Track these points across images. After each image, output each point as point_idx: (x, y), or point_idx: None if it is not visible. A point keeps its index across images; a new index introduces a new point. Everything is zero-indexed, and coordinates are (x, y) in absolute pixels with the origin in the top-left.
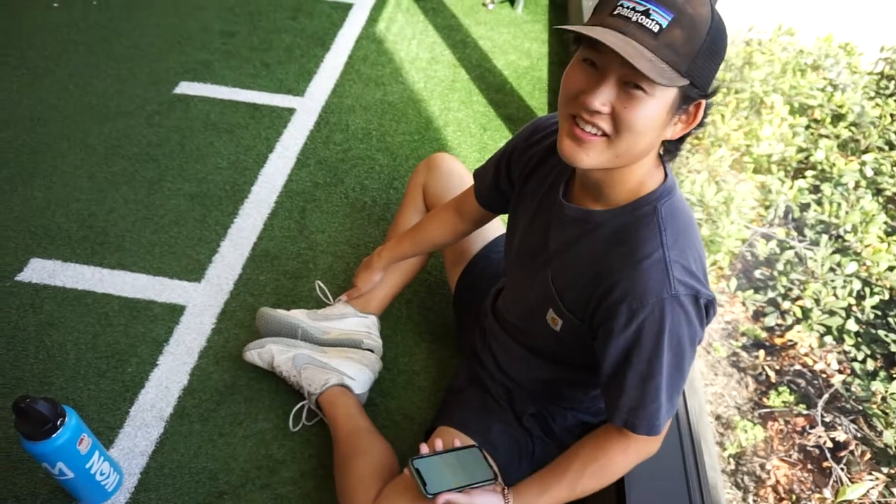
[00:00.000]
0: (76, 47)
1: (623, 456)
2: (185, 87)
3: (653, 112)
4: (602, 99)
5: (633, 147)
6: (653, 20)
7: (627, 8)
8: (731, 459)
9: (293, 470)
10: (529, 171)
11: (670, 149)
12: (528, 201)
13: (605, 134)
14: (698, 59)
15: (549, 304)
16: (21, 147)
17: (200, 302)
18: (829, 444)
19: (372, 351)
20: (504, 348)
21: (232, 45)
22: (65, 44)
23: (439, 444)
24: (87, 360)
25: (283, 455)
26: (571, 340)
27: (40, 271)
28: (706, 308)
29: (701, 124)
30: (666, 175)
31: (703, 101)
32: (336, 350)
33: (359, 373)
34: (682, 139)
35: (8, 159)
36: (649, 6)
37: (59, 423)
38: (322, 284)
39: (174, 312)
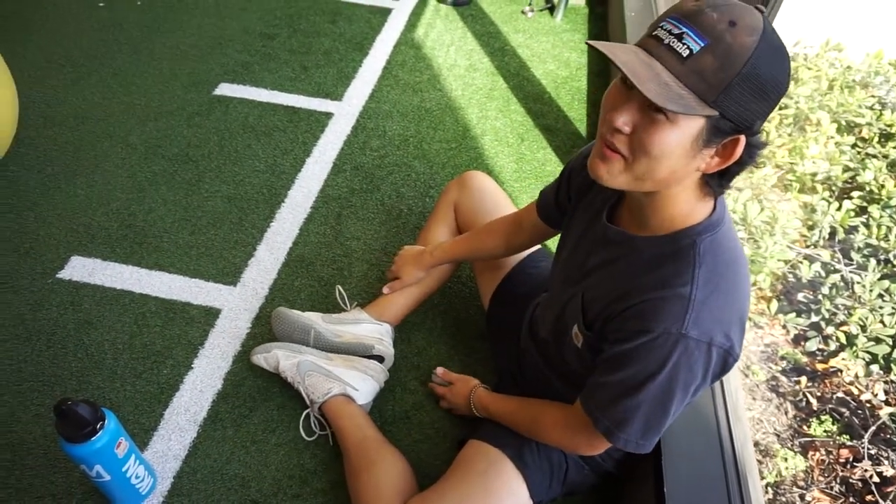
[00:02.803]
0: (120, 47)
1: (561, 432)
2: (225, 89)
3: (672, 139)
4: (624, 118)
5: (652, 172)
6: (684, 44)
7: (664, 30)
8: (768, 488)
9: (324, 481)
10: (584, 190)
11: (714, 184)
12: (580, 220)
13: (623, 155)
14: (733, 90)
15: (576, 319)
16: (65, 145)
17: (236, 306)
18: (876, 479)
19: (382, 359)
20: (536, 367)
21: (272, 47)
22: (109, 43)
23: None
24: (124, 360)
25: (315, 465)
26: (590, 359)
27: (80, 269)
28: (722, 358)
29: (741, 162)
30: (714, 210)
31: (742, 138)
32: (342, 358)
33: (363, 383)
34: (727, 175)
35: (52, 157)
36: (684, 30)
37: (98, 426)
38: (342, 289)
39: (210, 315)
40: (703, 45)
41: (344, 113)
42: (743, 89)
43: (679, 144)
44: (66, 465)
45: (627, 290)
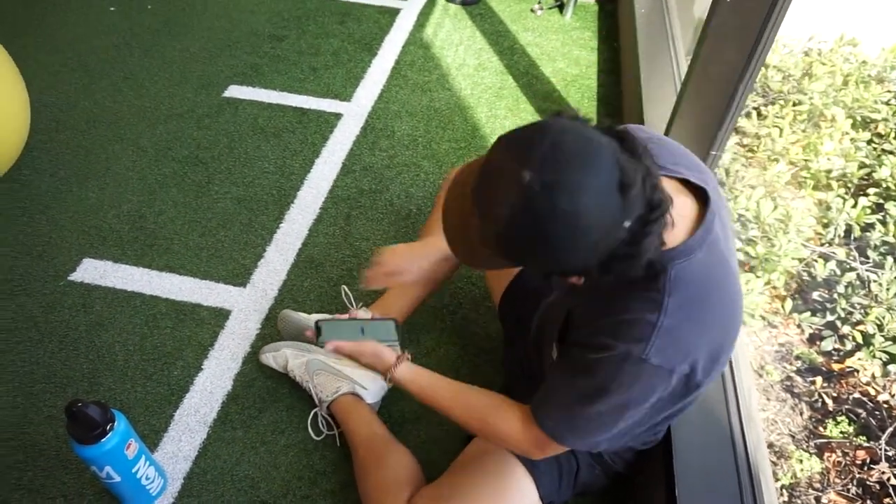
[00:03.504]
0: (131, 51)
1: (509, 428)
2: (235, 91)
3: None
4: None
5: None
6: (475, 211)
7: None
8: (783, 490)
9: (333, 482)
10: None
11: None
12: None
13: None
14: (513, 259)
15: (555, 335)
16: (77, 148)
17: (245, 307)
18: (894, 481)
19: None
20: (533, 358)
21: (281, 49)
22: (120, 47)
23: (357, 314)
24: (135, 361)
25: (325, 466)
26: None
27: (92, 272)
28: (684, 383)
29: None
30: (692, 234)
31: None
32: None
33: (371, 382)
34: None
35: (65, 160)
36: (472, 201)
37: (108, 427)
38: (347, 290)
39: (220, 317)
40: (477, 213)
41: (353, 113)
42: (518, 261)
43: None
44: (77, 467)
45: (600, 308)
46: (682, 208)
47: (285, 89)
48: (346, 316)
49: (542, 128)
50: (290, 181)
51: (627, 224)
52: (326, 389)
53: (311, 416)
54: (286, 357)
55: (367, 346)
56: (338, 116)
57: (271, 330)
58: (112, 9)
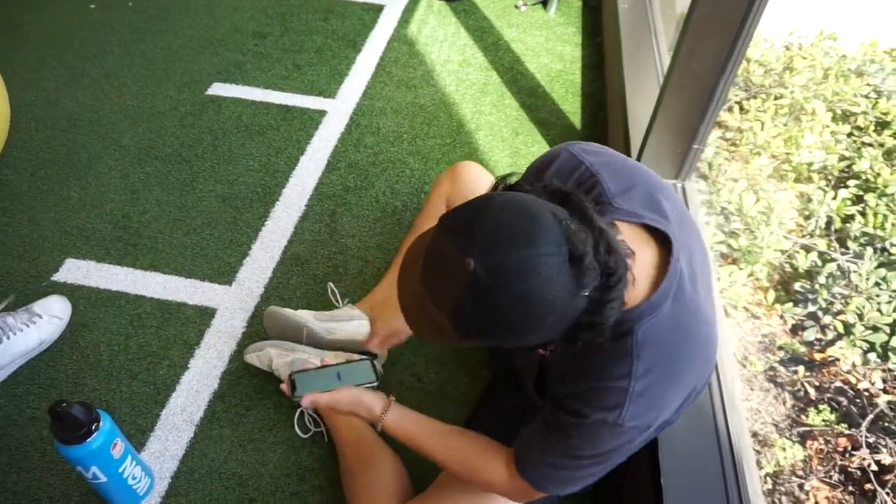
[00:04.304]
0: (112, 48)
1: (493, 475)
2: (218, 89)
3: None
4: None
5: None
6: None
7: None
8: (767, 479)
9: (322, 478)
10: None
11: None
12: None
13: None
14: (469, 337)
15: (531, 378)
16: (58, 147)
17: (231, 305)
18: (874, 467)
19: (375, 356)
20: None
21: (264, 46)
22: (101, 45)
23: (328, 360)
24: (120, 361)
25: (312, 463)
26: None
27: (75, 272)
28: (657, 431)
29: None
30: (656, 288)
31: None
32: (334, 356)
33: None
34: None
35: (45, 160)
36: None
37: (93, 427)
38: (333, 287)
39: (205, 315)
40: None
41: (337, 110)
42: (482, 346)
43: None
44: (62, 468)
45: (571, 367)
46: (643, 261)
47: (269, 87)
48: (318, 363)
49: (482, 207)
50: (275, 179)
51: (586, 293)
52: None
53: (297, 414)
54: (270, 356)
55: (344, 395)
56: (322, 113)
57: (258, 328)
58: (92, 6)
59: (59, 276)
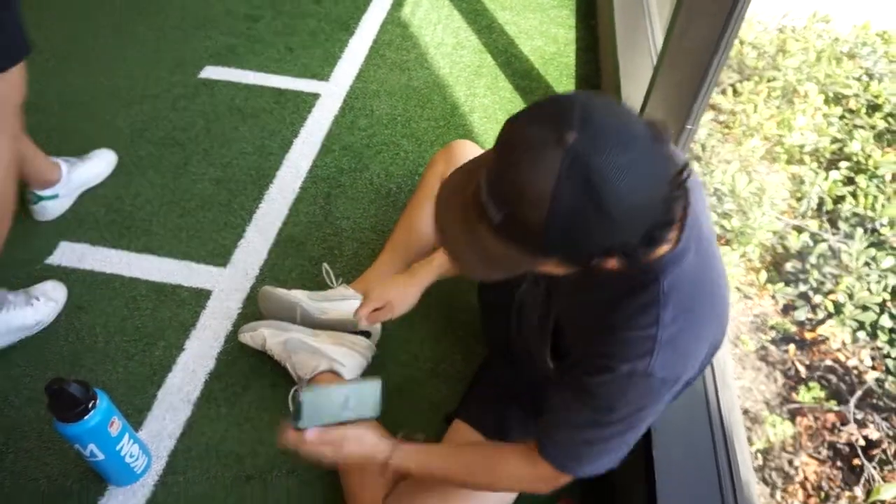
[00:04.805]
0: (102, 31)
1: (516, 470)
2: (211, 72)
3: (543, 269)
4: None
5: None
6: (492, 211)
7: (484, 195)
8: (758, 455)
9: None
10: None
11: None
12: None
13: None
14: (548, 243)
15: (545, 343)
16: (50, 130)
17: (226, 286)
18: (861, 442)
19: (369, 334)
20: (522, 362)
21: (256, 29)
22: (91, 27)
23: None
24: (116, 343)
25: None
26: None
27: (69, 255)
28: (683, 387)
29: (633, 262)
30: (679, 240)
31: (608, 258)
32: (328, 335)
33: (349, 359)
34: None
35: (37, 143)
36: (486, 200)
37: (90, 405)
38: (328, 267)
39: (200, 297)
40: (501, 216)
41: (331, 93)
42: (558, 244)
43: (553, 270)
44: (60, 447)
45: (597, 323)
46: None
47: (262, 70)
48: (312, 343)
49: (562, 97)
50: (269, 161)
51: (668, 183)
52: (305, 367)
53: (291, 393)
54: (264, 336)
55: (350, 452)
56: (316, 96)
57: (253, 309)
58: None
59: (54, 260)
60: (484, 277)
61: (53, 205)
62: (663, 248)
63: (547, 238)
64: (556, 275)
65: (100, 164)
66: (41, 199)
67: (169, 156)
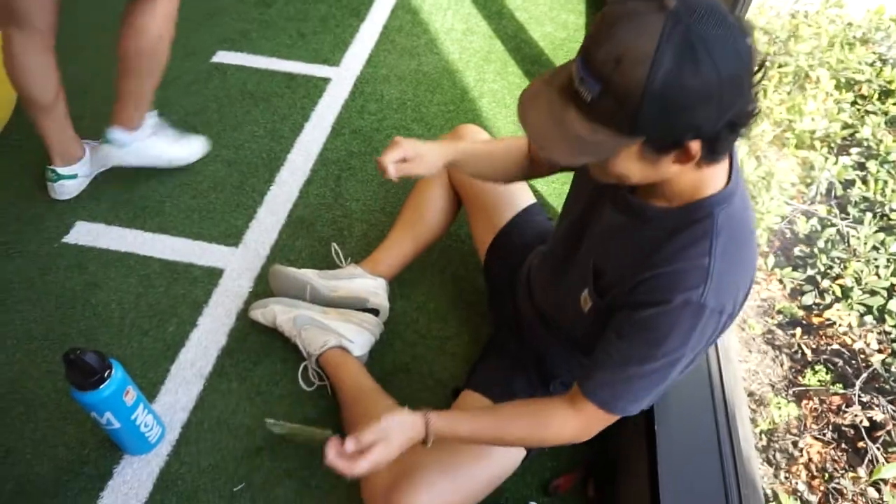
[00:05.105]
0: (116, 17)
1: (562, 419)
2: (223, 57)
3: (620, 166)
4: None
5: (630, 182)
6: (586, 89)
7: (575, 72)
8: (762, 436)
9: (328, 428)
10: None
11: (705, 161)
12: (593, 181)
13: None
14: (642, 119)
15: (586, 284)
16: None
17: (238, 266)
18: (866, 424)
19: (377, 312)
20: (534, 327)
21: (268, 15)
22: (106, 12)
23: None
24: (131, 318)
25: (318, 414)
26: (594, 325)
27: (85, 234)
28: (725, 323)
29: (712, 154)
30: (729, 180)
31: (691, 143)
32: (337, 312)
33: (358, 335)
34: (712, 154)
35: None
36: (582, 75)
37: (106, 374)
38: (337, 247)
39: (213, 275)
40: (597, 89)
41: (341, 78)
42: (653, 114)
43: (629, 167)
44: (78, 417)
45: (643, 260)
46: (701, 162)
47: (274, 55)
48: (320, 319)
49: None
50: (280, 144)
51: (753, 72)
52: (314, 343)
53: (301, 369)
54: (274, 313)
55: (400, 443)
56: (326, 81)
57: (264, 287)
58: None
59: (70, 238)
60: (569, 163)
61: (71, 184)
62: (717, 186)
63: (641, 109)
64: (621, 182)
65: (179, 155)
66: (60, 177)
67: None
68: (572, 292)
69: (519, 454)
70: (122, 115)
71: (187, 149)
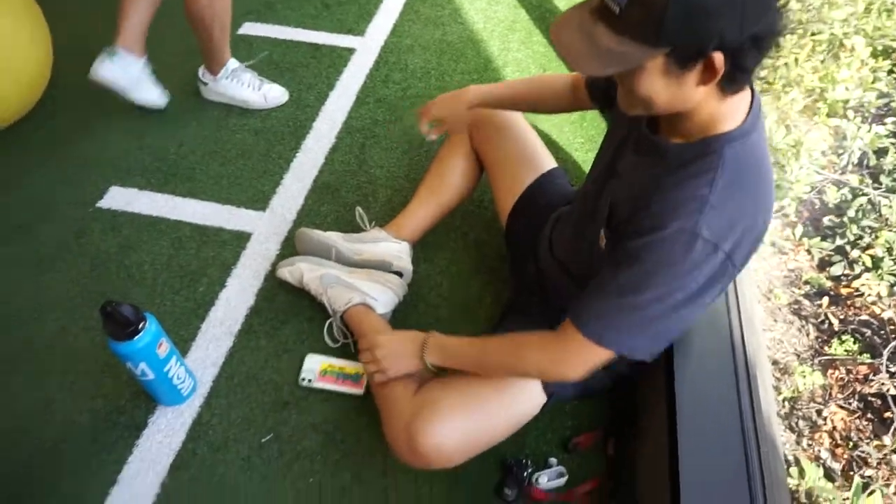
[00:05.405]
0: None
1: (541, 347)
2: (248, 28)
3: (645, 83)
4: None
5: (654, 107)
6: (615, 2)
7: None
8: (785, 403)
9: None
10: None
11: (727, 88)
12: (621, 125)
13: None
14: (667, 25)
15: (602, 222)
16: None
17: (265, 230)
18: (893, 393)
19: (401, 275)
20: (559, 285)
21: None
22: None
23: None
24: (163, 279)
25: None
26: None
27: (119, 199)
28: (724, 265)
29: (736, 72)
30: (747, 118)
31: (715, 55)
32: (363, 272)
33: (382, 294)
34: (735, 77)
35: (87, 95)
36: None
37: (140, 326)
38: (361, 210)
39: (241, 239)
40: (625, 1)
41: (366, 48)
42: (678, 20)
43: (654, 85)
44: (114, 371)
45: (650, 191)
46: (722, 91)
47: (299, 25)
48: (346, 278)
49: None
50: (306, 113)
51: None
52: (339, 301)
53: (326, 325)
54: (301, 271)
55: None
56: (351, 51)
57: (290, 250)
58: None
59: (104, 203)
60: (598, 73)
61: (116, 68)
62: (735, 122)
63: (667, 12)
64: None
65: (254, 101)
66: (115, 54)
67: (210, 109)
68: (590, 237)
69: (538, 399)
70: (205, 62)
71: (270, 94)
